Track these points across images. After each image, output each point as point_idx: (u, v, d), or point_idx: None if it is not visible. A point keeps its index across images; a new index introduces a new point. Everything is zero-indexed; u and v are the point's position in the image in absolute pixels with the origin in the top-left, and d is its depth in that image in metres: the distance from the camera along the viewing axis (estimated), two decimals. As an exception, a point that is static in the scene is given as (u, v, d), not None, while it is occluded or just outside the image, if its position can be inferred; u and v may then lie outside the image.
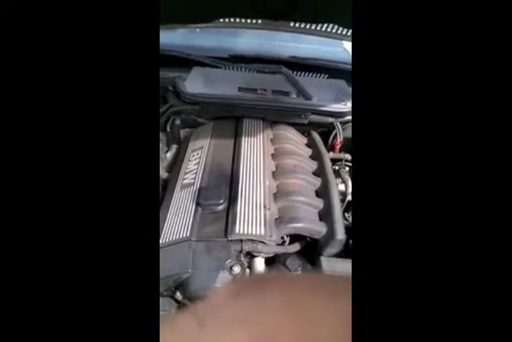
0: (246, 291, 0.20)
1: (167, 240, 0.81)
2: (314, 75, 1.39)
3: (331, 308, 0.17)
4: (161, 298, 0.72)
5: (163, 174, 1.08)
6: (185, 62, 1.33)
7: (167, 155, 1.16)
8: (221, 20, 1.38)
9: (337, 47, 1.47)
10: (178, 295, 0.73)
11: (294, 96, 1.22)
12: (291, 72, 1.31)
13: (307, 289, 0.19)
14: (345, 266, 0.80)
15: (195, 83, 1.22)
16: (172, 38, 1.38)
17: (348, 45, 1.45)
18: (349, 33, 1.36)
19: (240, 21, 1.36)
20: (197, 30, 1.45)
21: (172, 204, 0.91)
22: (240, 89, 1.21)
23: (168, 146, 1.21)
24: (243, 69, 1.37)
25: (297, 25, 1.39)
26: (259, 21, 1.40)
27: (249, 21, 1.38)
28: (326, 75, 1.37)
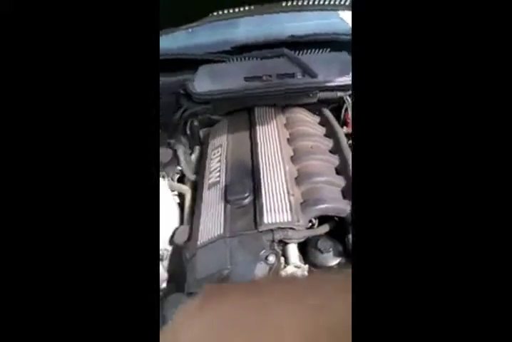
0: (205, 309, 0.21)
1: (204, 241, 0.84)
2: (316, 51, 1.34)
3: (262, 319, 0.18)
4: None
5: (191, 176, 1.11)
6: (190, 63, 1.33)
7: (192, 157, 1.19)
8: (211, 14, 1.36)
9: (334, 18, 1.41)
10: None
11: (299, 76, 1.19)
12: (293, 52, 1.28)
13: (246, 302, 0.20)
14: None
15: (203, 82, 1.23)
16: (170, 42, 1.38)
17: (345, 15, 1.39)
18: (342, 2, 1.30)
19: (230, 11, 1.33)
20: (190, 30, 1.44)
21: (202, 204, 0.94)
22: (246, 79, 1.20)
23: (192, 148, 1.24)
24: (246, 58, 1.35)
25: (289, 3, 1.34)
26: (252, 8, 1.37)
27: (241, 9, 1.36)
28: (328, 49, 1.33)
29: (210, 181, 1.00)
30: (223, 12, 1.34)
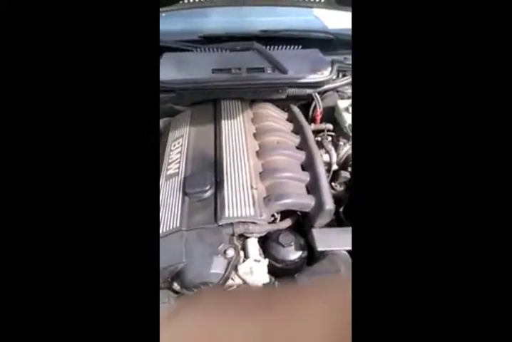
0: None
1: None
2: (288, 47, 1.36)
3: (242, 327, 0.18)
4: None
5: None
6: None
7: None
8: (185, 1, 1.35)
9: (308, 15, 1.43)
10: (176, 286, 0.74)
11: (269, 71, 1.19)
12: (264, 47, 1.28)
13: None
14: (337, 235, 0.81)
15: (167, 70, 1.20)
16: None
17: (319, 12, 1.41)
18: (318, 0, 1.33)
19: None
20: (163, 14, 1.41)
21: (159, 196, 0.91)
22: (214, 71, 1.19)
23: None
24: (215, 49, 1.34)
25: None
26: (224, -2, 1.36)
27: (214, -2, 1.35)
28: (300, 46, 1.34)
29: (168, 172, 0.97)
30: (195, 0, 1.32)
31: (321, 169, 0.91)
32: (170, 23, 1.45)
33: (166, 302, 0.68)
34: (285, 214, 0.89)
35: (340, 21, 1.37)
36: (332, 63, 1.19)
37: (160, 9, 1.39)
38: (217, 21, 1.50)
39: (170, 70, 1.20)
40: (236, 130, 1.05)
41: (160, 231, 0.81)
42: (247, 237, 0.82)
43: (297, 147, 1.02)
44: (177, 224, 0.80)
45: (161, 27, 1.40)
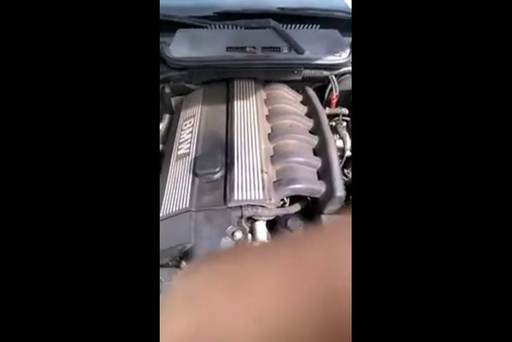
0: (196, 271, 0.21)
1: (167, 212, 0.83)
2: (305, 26, 1.34)
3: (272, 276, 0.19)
4: (167, 269, 0.76)
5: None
6: (168, 25, 1.29)
7: (160, 126, 1.17)
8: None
9: (328, -7, 1.41)
10: (184, 264, 0.76)
11: (285, 51, 1.19)
12: (280, 25, 1.27)
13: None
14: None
15: (180, 47, 1.20)
16: None
17: (339, -10, 1.39)
18: (338, -24, 1.30)
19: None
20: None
21: (169, 176, 0.93)
22: (228, 49, 1.19)
23: (160, 116, 1.21)
24: (230, 27, 1.33)
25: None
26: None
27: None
28: (318, 26, 1.33)
29: (179, 152, 0.99)
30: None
31: (334, 155, 0.92)
32: (185, -3, 1.44)
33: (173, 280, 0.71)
34: (295, 198, 0.90)
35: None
36: (351, 44, 1.18)
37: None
38: (234, -4, 1.48)
39: (183, 47, 1.20)
40: (248, 112, 1.05)
41: (170, 211, 0.83)
42: (256, 220, 0.83)
43: (310, 131, 1.02)
44: (187, 205, 0.82)
45: (175, 2, 1.40)
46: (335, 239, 0.19)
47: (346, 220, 0.22)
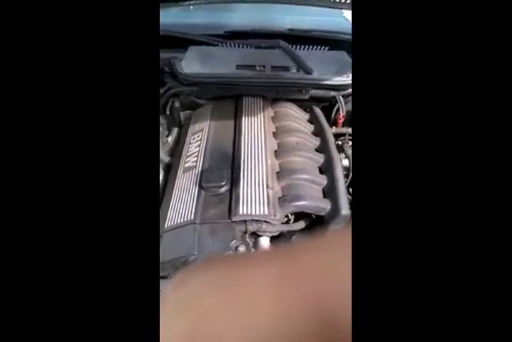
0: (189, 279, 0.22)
1: (171, 224, 0.85)
2: (314, 47, 1.38)
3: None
4: (169, 281, 0.76)
5: (165, 158, 1.12)
6: (180, 41, 1.33)
7: (168, 139, 1.20)
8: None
9: (337, 17, 1.46)
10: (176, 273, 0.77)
11: (294, 71, 1.22)
12: (290, 46, 1.31)
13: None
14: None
15: (191, 63, 1.24)
16: (165, 17, 1.39)
17: (348, 14, 1.44)
18: (348, 1, 1.35)
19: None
20: (191, 7, 1.45)
21: (175, 188, 0.95)
22: (238, 67, 1.22)
23: (169, 130, 1.24)
24: (240, 45, 1.37)
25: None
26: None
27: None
28: (327, 47, 1.37)
29: (186, 165, 1.01)
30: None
31: (339, 174, 0.93)
32: (198, 16, 1.49)
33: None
34: (299, 216, 0.91)
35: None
36: (359, 66, 1.21)
37: (188, 2, 1.43)
38: (244, 16, 1.53)
39: (194, 64, 1.24)
40: (256, 128, 1.08)
41: (174, 223, 0.84)
42: (260, 235, 0.84)
43: (316, 150, 1.05)
44: (191, 217, 0.84)
45: (188, 20, 1.45)
46: (333, 249, 0.20)
47: (345, 231, 0.23)
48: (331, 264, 0.18)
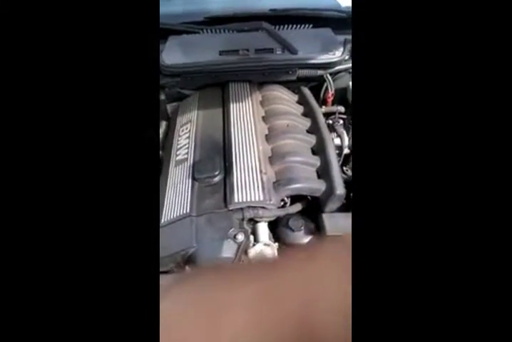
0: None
1: (168, 218, 0.85)
2: (298, 26, 1.36)
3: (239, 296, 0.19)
4: (172, 275, 0.77)
5: (156, 152, 1.11)
6: (159, 32, 1.31)
7: (157, 133, 1.19)
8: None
9: (318, -8, 1.43)
10: (188, 269, 0.78)
11: (278, 52, 1.20)
12: (272, 27, 1.29)
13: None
14: (347, 220, 0.84)
15: (173, 54, 1.22)
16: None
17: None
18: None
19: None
20: (169, -4, 1.43)
21: (168, 182, 0.95)
22: (221, 53, 1.20)
23: (157, 123, 1.23)
24: (222, 31, 1.35)
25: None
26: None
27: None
28: (311, 25, 1.35)
29: (178, 158, 1.01)
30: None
31: (332, 154, 0.93)
32: (175, 4, 1.46)
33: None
34: (295, 198, 0.91)
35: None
36: (345, 42, 1.20)
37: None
38: (223, 0, 1.50)
39: (175, 54, 1.22)
40: (245, 114, 1.07)
41: (170, 217, 0.84)
42: (257, 222, 0.85)
43: (308, 131, 1.04)
44: (187, 210, 0.84)
45: (166, 9, 1.42)
46: (318, 263, 0.20)
47: (330, 243, 0.22)
48: (315, 279, 0.19)
